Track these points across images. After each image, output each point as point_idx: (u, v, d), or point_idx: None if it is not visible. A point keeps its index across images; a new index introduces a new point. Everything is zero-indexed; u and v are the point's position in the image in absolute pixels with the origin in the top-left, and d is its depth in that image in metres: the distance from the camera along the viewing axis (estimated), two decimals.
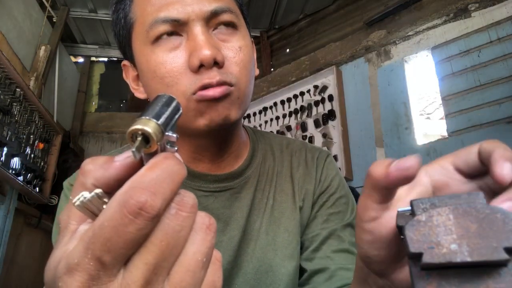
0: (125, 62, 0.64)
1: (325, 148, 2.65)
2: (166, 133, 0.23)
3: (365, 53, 2.65)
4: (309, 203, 0.67)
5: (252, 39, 0.66)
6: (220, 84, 0.53)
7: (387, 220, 0.32)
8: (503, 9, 2.09)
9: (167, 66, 0.54)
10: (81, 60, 3.83)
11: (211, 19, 0.55)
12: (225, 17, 0.56)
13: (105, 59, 3.90)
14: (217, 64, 0.53)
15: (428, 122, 2.49)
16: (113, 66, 3.93)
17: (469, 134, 2.07)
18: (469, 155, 0.32)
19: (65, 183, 0.64)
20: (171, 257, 0.21)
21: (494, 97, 2.03)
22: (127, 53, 0.62)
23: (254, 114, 3.15)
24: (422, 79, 2.45)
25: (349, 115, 2.61)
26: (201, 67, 0.52)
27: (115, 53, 3.74)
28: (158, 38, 0.55)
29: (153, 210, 0.20)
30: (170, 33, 0.55)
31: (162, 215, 0.21)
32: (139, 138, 0.22)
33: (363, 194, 0.33)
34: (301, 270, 0.65)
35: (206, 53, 0.51)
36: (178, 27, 0.54)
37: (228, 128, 0.58)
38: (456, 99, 2.17)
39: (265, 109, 3.08)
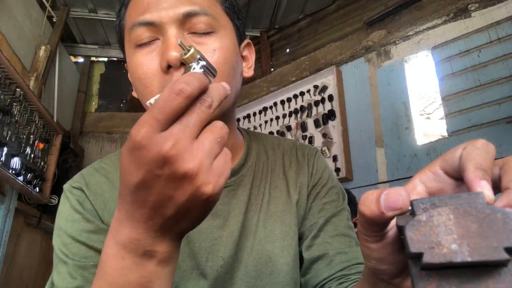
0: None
1: (325, 148, 2.66)
2: (202, 62, 0.40)
3: (365, 53, 2.65)
4: (304, 195, 0.71)
5: (249, 41, 0.68)
6: None
7: (391, 238, 0.33)
8: (503, 9, 2.09)
9: (144, 68, 0.57)
10: (81, 60, 3.83)
11: (185, 22, 0.57)
12: (200, 20, 0.57)
13: (105, 59, 3.90)
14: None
15: (428, 122, 2.50)
16: (113, 66, 3.93)
17: (469, 134, 2.07)
18: (453, 160, 0.32)
19: (66, 186, 0.64)
20: (196, 126, 0.35)
21: (494, 97, 2.03)
22: (124, 55, 0.66)
23: (254, 114, 3.15)
24: (422, 79, 2.45)
25: (349, 115, 2.61)
26: (170, 68, 0.55)
27: (115, 53, 3.74)
28: (141, 44, 0.58)
29: (186, 92, 0.34)
30: (151, 39, 0.57)
31: (194, 104, 0.35)
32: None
33: (360, 224, 0.33)
34: (302, 260, 0.68)
35: (173, 54, 0.53)
36: (154, 31, 0.57)
37: None
38: (456, 99, 2.17)
39: (265, 109, 3.08)
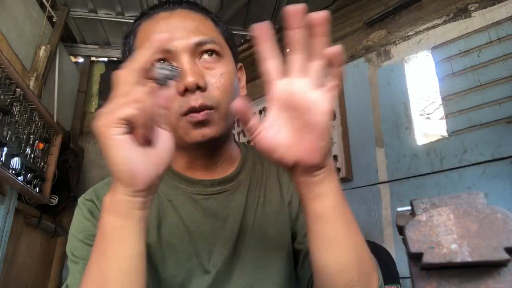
0: None
1: None
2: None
3: (365, 53, 2.65)
4: (296, 198, 0.77)
5: (241, 64, 0.78)
6: (202, 107, 0.64)
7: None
8: (503, 9, 2.09)
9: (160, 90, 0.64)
10: (81, 60, 3.83)
11: (196, 49, 0.66)
12: (209, 48, 0.67)
13: (105, 59, 3.89)
14: (200, 88, 0.63)
15: (428, 122, 2.50)
16: (113, 66, 3.93)
17: (469, 134, 2.07)
18: None
19: (80, 199, 0.71)
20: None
21: (494, 97, 2.03)
22: None
23: (254, 114, 3.15)
24: (422, 79, 2.45)
25: (349, 115, 2.61)
26: (186, 92, 0.63)
27: (115, 53, 3.74)
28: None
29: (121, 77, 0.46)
30: (163, 62, 0.64)
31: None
32: None
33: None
34: (296, 257, 0.74)
35: (189, 79, 0.62)
36: (168, 56, 0.65)
37: (214, 141, 0.68)
38: (456, 99, 2.17)
39: (265, 109, 3.08)
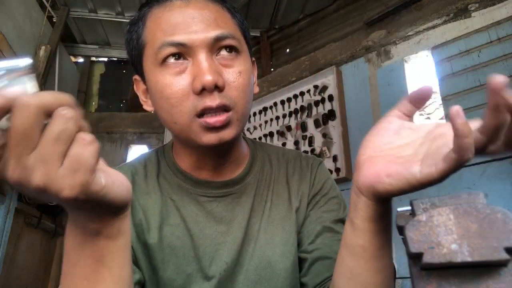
0: (136, 76, 0.70)
1: (325, 148, 2.67)
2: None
3: (365, 53, 2.65)
4: (304, 203, 0.73)
5: (253, 58, 0.71)
6: (219, 107, 0.59)
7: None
8: (503, 9, 2.09)
9: (173, 88, 0.60)
10: (81, 60, 3.83)
11: (214, 45, 0.61)
12: (228, 44, 0.61)
13: (105, 59, 3.90)
14: (217, 88, 0.59)
15: (428, 122, 2.49)
16: (113, 66, 3.93)
17: None
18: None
19: None
20: (30, 138, 0.32)
21: None
22: (138, 70, 0.67)
23: (254, 114, 3.15)
24: (422, 79, 2.45)
25: (349, 115, 2.61)
26: (203, 91, 0.58)
27: (115, 53, 3.74)
28: (165, 60, 0.60)
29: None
30: (177, 57, 0.60)
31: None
32: None
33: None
34: (300, 265, 0.70)
35: (208, 78, 0.57)
36: (184, 51, 0.60)
37: (228, 143, 0.63)
38: (456, 99, 2.17)
39: (265, 109, 3.08)
